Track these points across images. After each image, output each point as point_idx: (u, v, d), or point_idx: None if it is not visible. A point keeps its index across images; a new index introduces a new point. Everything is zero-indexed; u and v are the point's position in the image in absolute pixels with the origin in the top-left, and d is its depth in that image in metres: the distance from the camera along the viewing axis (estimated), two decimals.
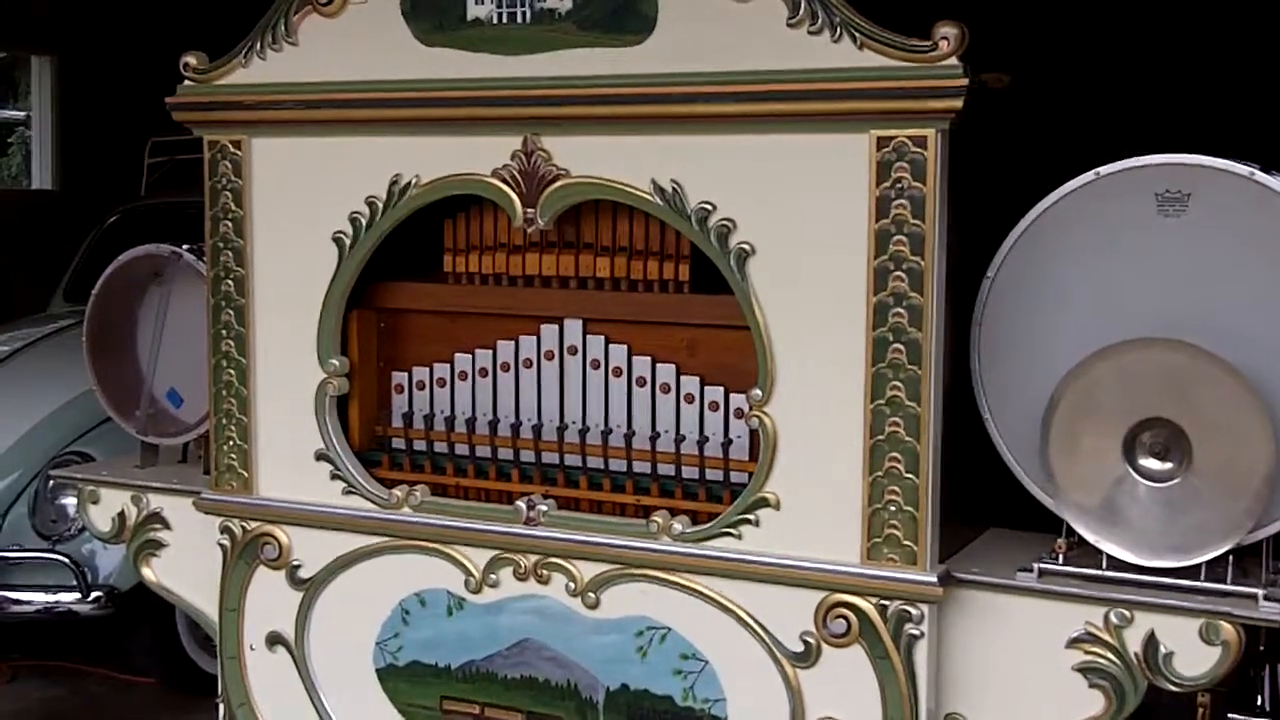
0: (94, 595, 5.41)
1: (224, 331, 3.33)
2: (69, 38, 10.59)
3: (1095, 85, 6.16)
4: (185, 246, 3.61)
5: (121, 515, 3.66)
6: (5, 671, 5.79)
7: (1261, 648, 2.88)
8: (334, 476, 3.26)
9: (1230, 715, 3.09)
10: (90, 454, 5.37)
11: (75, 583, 5.39)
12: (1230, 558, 2.64)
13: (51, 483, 5.40)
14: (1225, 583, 2.63)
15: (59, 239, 7.90)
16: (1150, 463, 2.66)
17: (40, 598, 5.45)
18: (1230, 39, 6.38)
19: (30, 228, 9.83)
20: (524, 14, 2.95)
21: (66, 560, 5.40)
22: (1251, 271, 2.64)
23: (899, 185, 2.67)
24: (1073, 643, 2.72)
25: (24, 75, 11.90)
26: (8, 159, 15.88)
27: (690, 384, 3.01)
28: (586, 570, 3.03)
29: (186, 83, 3.30)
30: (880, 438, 2.74)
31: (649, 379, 3.04)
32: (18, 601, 5.46)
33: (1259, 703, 3.23)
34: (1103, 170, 2.73)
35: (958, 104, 2.61)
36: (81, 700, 5.65)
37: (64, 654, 5.90)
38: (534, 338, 3.14)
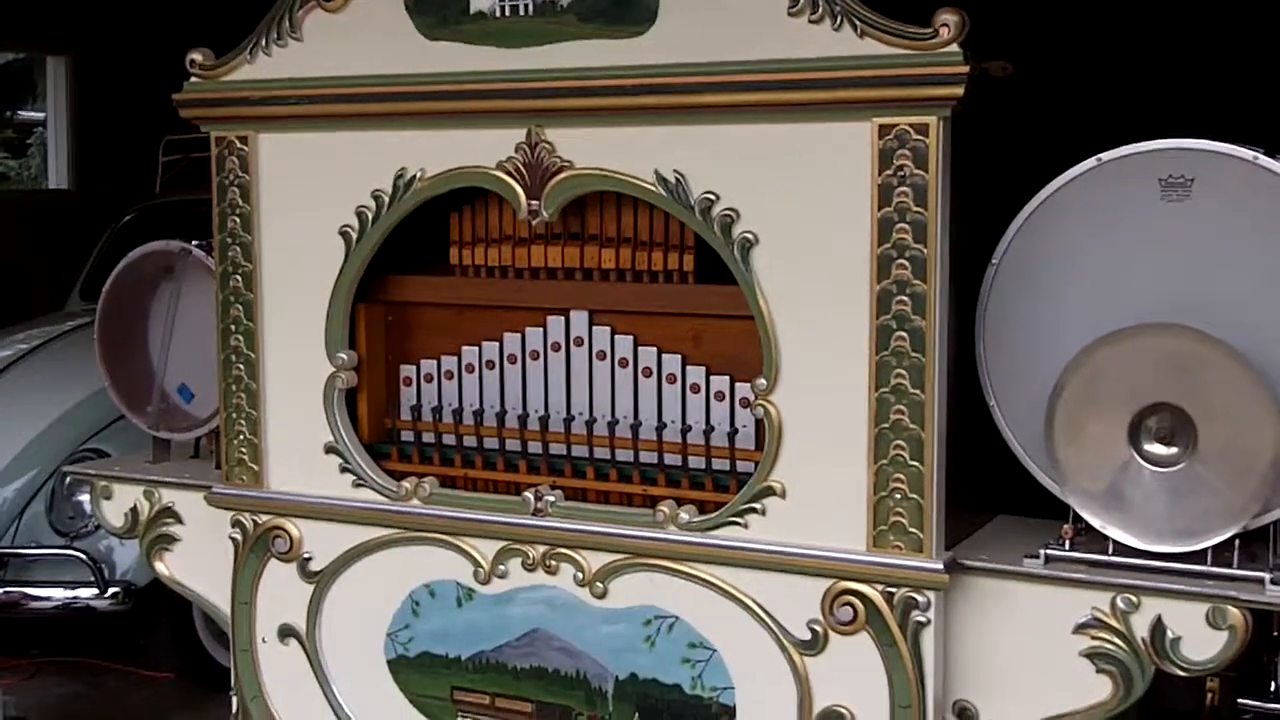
0: (111, 591, 5.44)
1: (233, 326, 3.35)
2: (83, 37, 10.63)
3: (1098, 71, 6.13)
4: (195, 243, 3.62)
5: (134, 510, 3.68)
6: (25, 668, 5.82)
7: (1276, 633, 2.88)
8: (343, 469, 3.27)
9: (1241, 701, 3.09)
10: (106, 450, 5.39)
11: (93, 579, 5.42)
12: (1237, 542, 2.64)
13: (68, 479, 5.43)
14: (1232, 567, 2.63)
15: (76, 238, 7.93)
16: (1155, 448, 2.66)
17: (58, 594, 5.48)
18: (1233, 23, 6.35)
19: (47, 227, 9.88)
20: (526, 7, 2.96)
21: (84, 556, 5.43)
22: (1256, 256, 2.63)
23: (901, 173, 2.68)
24: (1080, 628, 2.72)
25: (43, 77, 11.92)
26: (27, 159, 15.93)
27: (696, 374, 3.01)
28: (594, 560, 3.04)
29: (193, 79, 3.31)
30: (885, 425, 2.74)
31: (655, 369, 3.04)
32: (36, 598, 5.50)
33: (1273, 688, 3.22)
34: (1105, 156, 2.73)
35: (959, 91, 2.60)
36: (100, 695, 5.68)
37: (82, 650, 5.93)
38: (540, 329, 3.14)
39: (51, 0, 10.29)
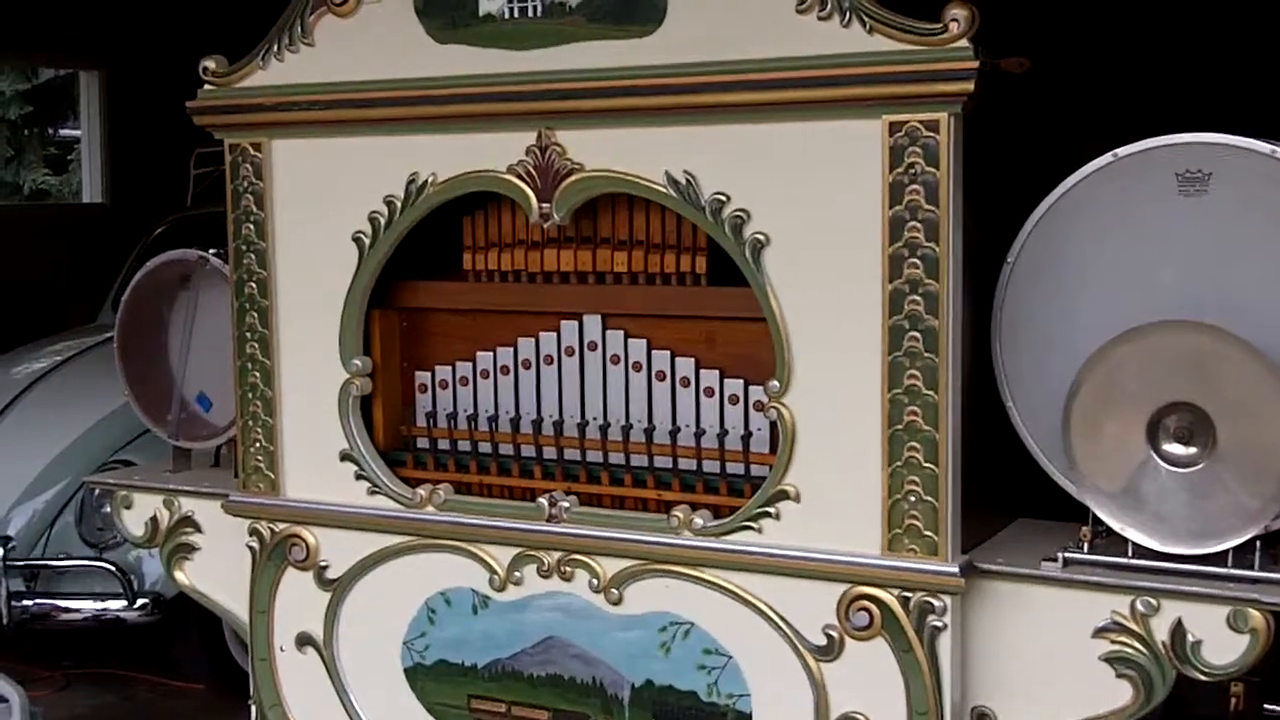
0: (140, 602, 5.45)
1: (248, 334, 3.34)
2: (116, 52, 10.70)
3: (1113, 66, 6.07)
4: (212, 251, 3.62)
5: (154, 520, 3.68)
6: (56, 679, 5.83)
7: None
8: (359, 477, 3.26)
9: (1267, 706, 3.03)
10: (135, 461, 5.39)
11: (122, 590, 5.43)
12: (1258, 543, 2.58)
13: (97, 491, 5.44)
14: (1253, 569, 2.58)
15: (109, 251, 7.97)
16: (1174, 447, 2.61)
17: (88, 605, 5.50)
18: (1249, 16, 6.27)
19: (82, 241, 9.94)
20: (535, 8, 2.94)
21: (113, 568, 5.45)
22: (1275, 250, 2.58)
23: (912, 170, 2.64)
24: (1099, 632, 2.67)
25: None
26: (69, 175, 16.09)
27: (710, 377, 2.98)
28: (609, 566, 3.01)
29: (207, 86, 3.31)
30: (898, 427, 2.71)
31: (669, 373, 3.02)
32: (67, 609, 5.52)
33: None
34: (1121, 151, 2.68)
35: (969, 87, 2.57)
36: (131, 707, 5.67)
37: (113, 661, 5.93)
38: (554, 334, 3.12)
39: (84, 16, 10.36)
